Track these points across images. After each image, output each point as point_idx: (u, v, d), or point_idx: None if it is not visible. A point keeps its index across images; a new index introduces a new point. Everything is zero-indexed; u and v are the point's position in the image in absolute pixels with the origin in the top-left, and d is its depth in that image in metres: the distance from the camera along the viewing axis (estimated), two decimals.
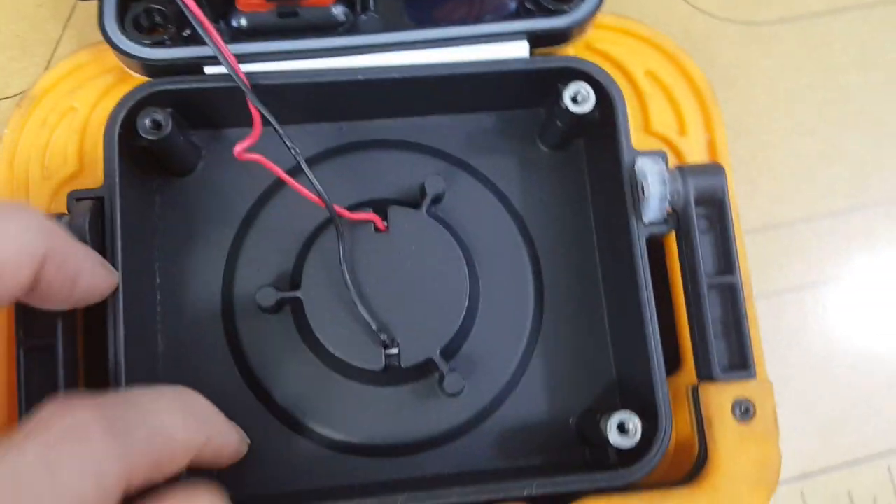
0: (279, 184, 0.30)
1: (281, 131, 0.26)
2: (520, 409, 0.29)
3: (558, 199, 0.31)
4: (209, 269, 0.30)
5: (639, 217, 0.27)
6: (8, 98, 0.31)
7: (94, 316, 0.26)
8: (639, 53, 0.31)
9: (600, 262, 0.30)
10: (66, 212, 0.26)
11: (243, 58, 0.27)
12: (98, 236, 0.26)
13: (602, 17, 0.30)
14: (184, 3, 0.23)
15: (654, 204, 0.27)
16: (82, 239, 0.25)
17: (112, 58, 0.28)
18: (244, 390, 0.29)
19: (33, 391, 0.25)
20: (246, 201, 0.30)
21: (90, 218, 0.26)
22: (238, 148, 0.25)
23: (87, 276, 0.24)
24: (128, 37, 0.27)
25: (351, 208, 0.29)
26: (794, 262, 0.33)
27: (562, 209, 0.31)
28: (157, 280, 0.29)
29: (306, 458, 0.29)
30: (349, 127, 0.31)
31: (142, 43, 0.27)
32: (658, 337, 0.27)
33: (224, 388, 0.29)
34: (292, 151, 0.27)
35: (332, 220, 0.29)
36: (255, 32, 0.28)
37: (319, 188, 0.27)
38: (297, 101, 0.29)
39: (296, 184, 0.27)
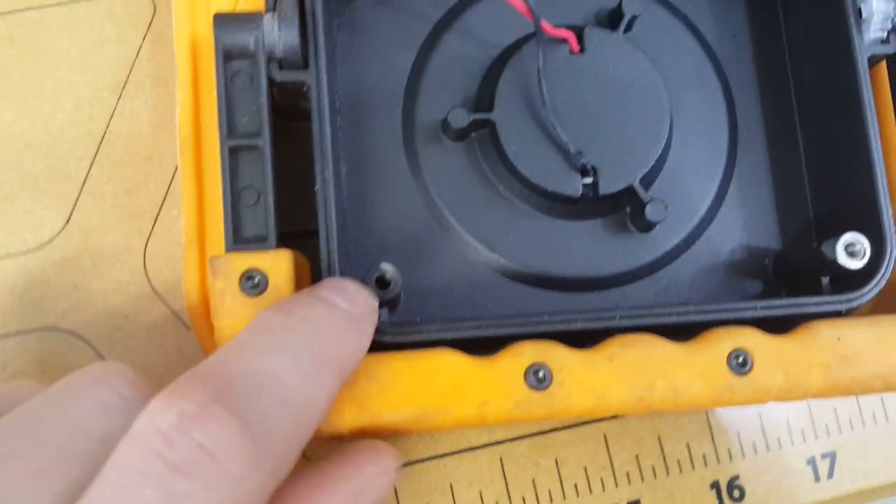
0: (460, 6, 0.29)
1: None
2: (715, 246, 0.28)
3: (751, 30, 0.29)
4: (390, 94, 0.28)
5: (860, 34, 0.26)
6: None
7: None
8: None
9: (796, 92, 0.29)
10: (263, 9, 0.25)
11: None
12: (304, 35, 0.24)
13: None
14: None
15: (877, 21, 0.26)
16: (293, 31, 0.24)
17: None
18: (428, 219, 0.28)
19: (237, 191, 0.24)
20: (426, 24, 0.28)
21: (299, 14, 0.24)
22: None
23: None
24: None
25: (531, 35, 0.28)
26: None
27: (755, 40, 0.29)
28: (338, 103, 0.27)
29: (488, 289, 0.27)
30: None
31: None
32: (881, 157, 0.26)
33: (407, 211, 0.27)
34: None
35: (523, 39, 0.27)
36: None
37: None
38: None
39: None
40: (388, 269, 0.24)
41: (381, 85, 0.28)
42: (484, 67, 0.28)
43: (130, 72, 0.29)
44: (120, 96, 0.28)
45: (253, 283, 0.23)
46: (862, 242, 0.25)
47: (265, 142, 0.24)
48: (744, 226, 0.29)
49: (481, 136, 0.28)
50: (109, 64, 0.29)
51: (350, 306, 0.22)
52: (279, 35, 0.24)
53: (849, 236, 0.25)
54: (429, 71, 0.28)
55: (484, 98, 0.28)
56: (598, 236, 0.28)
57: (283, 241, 0.24)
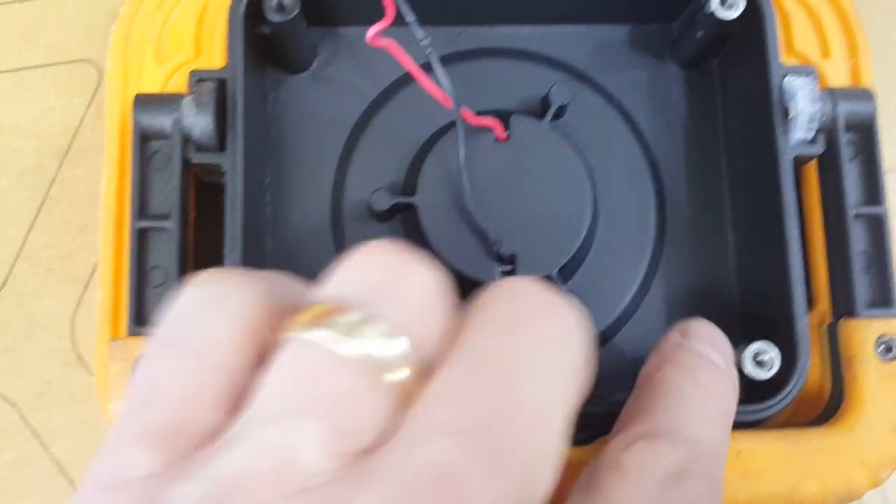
0: (394, 86, 0.29)
1: (413, 19, 0.25)
2: (636, 337, 0.28)
3: (687, 120, 0.29)
4: (320, 171, 0.28)
5: (786, 135, 0.26)
6: None
7: (207, 201, 0.25)
8: None
9: (729, 187, 0.28)
10: (187, 91, 0.25)
11: None
12: (222, 120, 0.25)
13: None
14: None
15: (803, 123, 0.25)
16: (209, 117, 0.24)
17: None
18: None
19: (144, 272, 0.24)
20: (360, 103, 0.29)
21: (216, 98, 0.24)
22: (371, 33, 0.24)
23: None
24: None
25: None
26: None
27: (690, 130, 0.29)
28: (268, 178, 0.28)
29: None
30: (468, 32, 0.29)
31: None
32: (801, 263, 0.25)
33: None
34: (424, 43, 0.25)
35: (452, 124, 0.27)
36: None
37: (448, 84, 0.25)
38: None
39: (425, 77, 0.26)
40: None
41: (314, 160, 0.28)
42: (412, 150, 0.28)
43: (73, 139, 0.30)
44: (61, 164, 0.29)
45: None
46: (771, 352, 0.24)
47: (174, 224, 0.24)
48: (669, 314, 0.28)
49: (406, 217, 0.28)
50: (54, 132, 0.30)
51: (727, 365, 0.22)
52: (196, 119, 0.25)
53: (757, 345, 0.24)
54: (359, 150, 0.28)
55: (409, 181, 0.28)
56: None
57: None
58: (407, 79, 0.29)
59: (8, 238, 0.29)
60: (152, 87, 0.26)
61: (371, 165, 0.28)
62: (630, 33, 0.29)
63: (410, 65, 0.25)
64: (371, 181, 0.28)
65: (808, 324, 0.25)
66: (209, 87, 0.25)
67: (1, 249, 0.29)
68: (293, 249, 0.28)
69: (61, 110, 0.30)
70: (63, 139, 0.30)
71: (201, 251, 0.26)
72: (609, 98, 0.29)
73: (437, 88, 0.26)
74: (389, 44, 0.24)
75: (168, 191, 0.25)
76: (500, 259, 0.27)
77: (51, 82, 0.30)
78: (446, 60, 0.29)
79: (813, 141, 0.26)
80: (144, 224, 0.24)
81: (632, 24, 0.29)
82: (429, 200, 0.27)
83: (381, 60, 0.29)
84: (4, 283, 0.28)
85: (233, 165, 0.25)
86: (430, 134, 0.28)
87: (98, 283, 0.27)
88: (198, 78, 0.25)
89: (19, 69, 0.30)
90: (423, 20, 0.29)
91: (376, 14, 0.28)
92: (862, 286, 0.26)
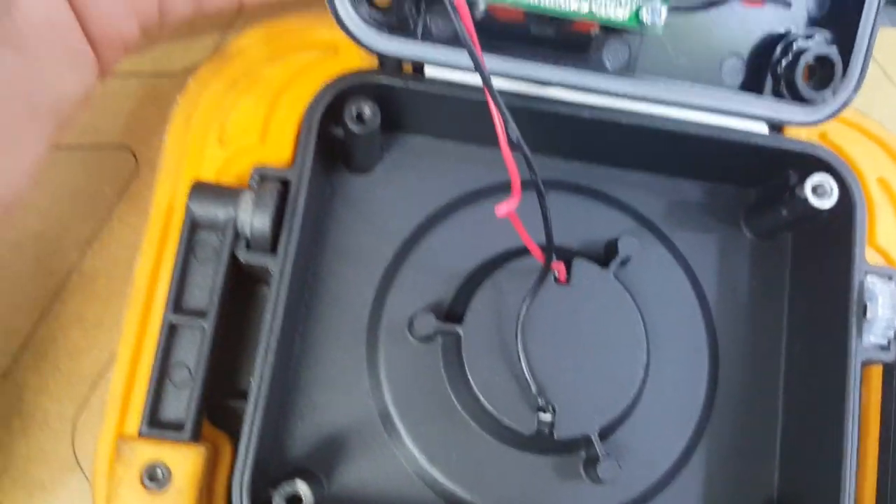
0: (456, 203, 0.28)
1: (530, 157, 0.22)
2: None
3: (752, 291, 0.28)
4: (363, 277, 0.27)
5: (860, 336, 0.24)
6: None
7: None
8: (874, 157, 0.28)
9: (786, 371, 0.27)
10: (247, 185, 0.24)
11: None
12: (279, 220, 0.23)
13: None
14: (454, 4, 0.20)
15: (879, 328, 0.24)
16: (266, 219, 0.23)
17: (320, 31, 0.26)
18: (373, 416, 0.26)
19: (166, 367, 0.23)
20: (419, 213, 0.27)
21: (277, 198, 0.23)
22: (503, 210, 0.22)
23: None
24: (360, 16, 0.24)
25: (523, 248, 0.26)
26: None
27: (754, 301, 0.28)
28: (308, 276, 0.26)
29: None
30: (542, 163, 0.28)
31: (370, 23, 0.24)
32: (854, 473, 0.24)
33: (353, 404, 0.26)
34: (539, 183, 0.23)
35: (509, 254, 0.26)
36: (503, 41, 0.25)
37: (551, 230, 0.24)
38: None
39: (535, 247, 0.24)
40: (302, 489, 0.22)
41: (359, 264, 0.27)
42: (463, 273, 0.27)
43: (100, 230, 0.28)
44: (83, 254, 0.27)
45: (154, 478, 0.21)
46: None
47: (209, 325, 0.23)
48: (705, 493, 0.27)
49: (447, 342, 0.26)
50: (80, 219, 0.28)
51: None
52: (253, 217, 0.23)
53: None
54: (408, 262, 0.27)
55: (456, 307, 0.26)
56: (546, 475, 0.26)
57: (222, 398, 0.23)
58: (470, 197, 0.28)
59: (16, 326, 0.27)
60: (211, 167, 0.25)
61: (417, 281, 0.27)
62: (705, 191, 0.28)
63: (528, 239, 0.24)
64: (415, 297, 0.27)
65: None
66: (272, 186, 0.24)
67: (7, 337, 0.27)
68: (324, 350, 0.26)
69: (91, 197, 0.28)
70: (88, 228, 0.28)
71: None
72: (675, 253, 0.28)
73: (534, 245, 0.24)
74: (514, 217, 0.23)
75: (208, 286, 0.24)
76: (540, 409, 0.25)
77: (82, 165, 0.28)
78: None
79: (886, 347, 0.25)
80: (178, 320, 0.23)
81: (708, 181, 0.28)
82: (475, 332, 0.26)
83: (446, 173, 0.28)
84: (6, 375, 0.26)
85: (282, 271, 0.23)
86: (485, 260, 0.27)
87: (106, 387, 0.26)
88: (261, 175, 0.24)
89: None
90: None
91: (450, 128, 0.27)
92: None
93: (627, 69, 0.24)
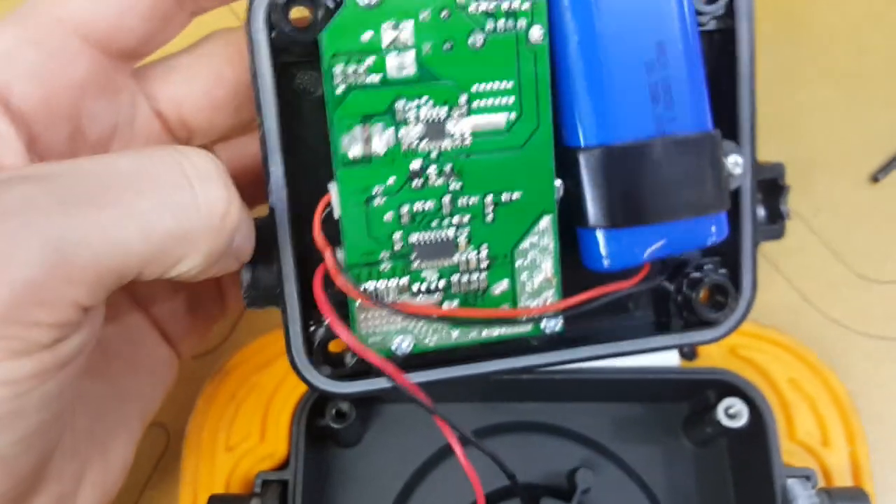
0: (434, 459, 0.32)
1: (480, 444, 0.27)
2: None
3: (702, 495, 0.32)
4: None
5: None
6: None
7: None
8: (781, 361, 0.32)
9: None
10: (252, 491, 0.29)
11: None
12: None
13: (744, 325, 0.32)
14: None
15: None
16: None
17: None
18: None
19: None
20: (403, 473, 0.32)
21: (280, 495, 0.28)
22: None
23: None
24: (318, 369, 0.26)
25: (498, 492, 0.31)
26: None
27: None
28: None
29: None
30: (495, 408, 0.33)
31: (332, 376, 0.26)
32: None
33: None
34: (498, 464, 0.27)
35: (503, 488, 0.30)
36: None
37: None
38: (452, 389, 0.31)
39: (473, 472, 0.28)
40: None
41: None
42: None
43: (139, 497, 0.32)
44: None
45: None
46: None
47: None
48: None
49: None
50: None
51: None
52: None
53: None
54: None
55: None
56: None
57: None
58: (447, 450, 0.32)
59: None
60: (222, 473, 0.30)
61: None
62: (646, 410, 0.33)
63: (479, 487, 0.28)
64: None
65: None
66: (274, 489, 0.28)
67: None
68: None
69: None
70: (128, 499, 0.32)
71: None
72: (628, 470, 0.32)
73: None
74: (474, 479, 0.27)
75: None
76: None
77: None
78: (477, 434, 0.33)
79: None
80: None
81: (646, 402, 0.33)
82: None
83: (425, 430, 0.32)
84: None
85: None
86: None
87: None
88: (263, 479, 0.29)
89: None
90: (457, 398, 0.32)
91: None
92: None
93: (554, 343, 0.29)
